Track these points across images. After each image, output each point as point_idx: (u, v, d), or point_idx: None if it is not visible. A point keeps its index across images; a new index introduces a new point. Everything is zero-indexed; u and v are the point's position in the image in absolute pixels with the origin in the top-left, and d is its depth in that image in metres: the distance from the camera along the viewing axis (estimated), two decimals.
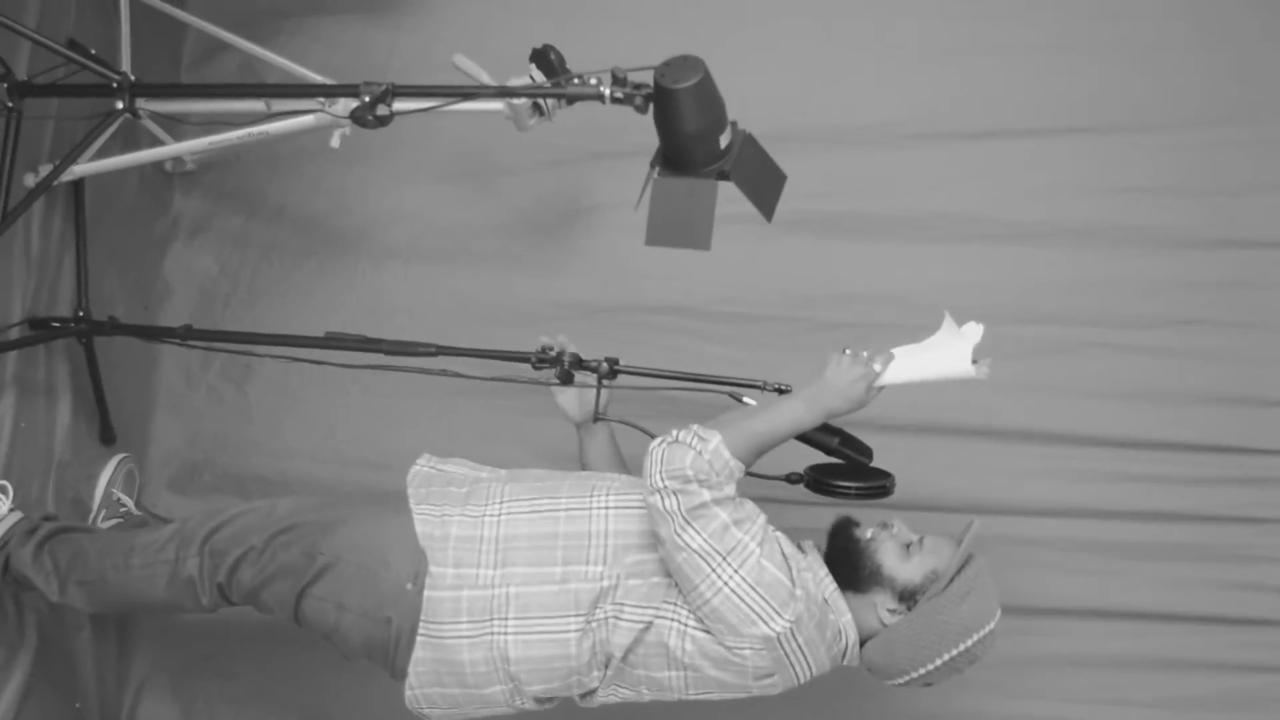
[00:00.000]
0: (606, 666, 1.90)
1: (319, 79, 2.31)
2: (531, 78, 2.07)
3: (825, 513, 2.00)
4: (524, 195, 2.80)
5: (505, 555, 1.90)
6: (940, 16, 2.72)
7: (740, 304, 2.70)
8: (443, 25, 2.80)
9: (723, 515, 1.77)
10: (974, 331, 1.87)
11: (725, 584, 1.76)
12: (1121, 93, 2.67)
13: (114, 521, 2.54)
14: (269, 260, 2.84)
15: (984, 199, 2.68)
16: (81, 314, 2.43)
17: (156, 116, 2.39)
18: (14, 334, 2.33)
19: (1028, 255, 2.66)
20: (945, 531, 1.93)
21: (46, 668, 2.36)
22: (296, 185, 2.83)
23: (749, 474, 1.87)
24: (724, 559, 1.76)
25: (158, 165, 2.80)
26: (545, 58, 2.07)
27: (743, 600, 1.76)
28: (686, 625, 1.84)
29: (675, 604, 1.85)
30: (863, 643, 1.90)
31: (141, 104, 2.27)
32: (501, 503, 1.96)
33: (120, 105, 2.25)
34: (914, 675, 1.87)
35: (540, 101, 2.07)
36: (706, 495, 1.77)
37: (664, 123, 1.81)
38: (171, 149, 2.44)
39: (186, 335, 2.39)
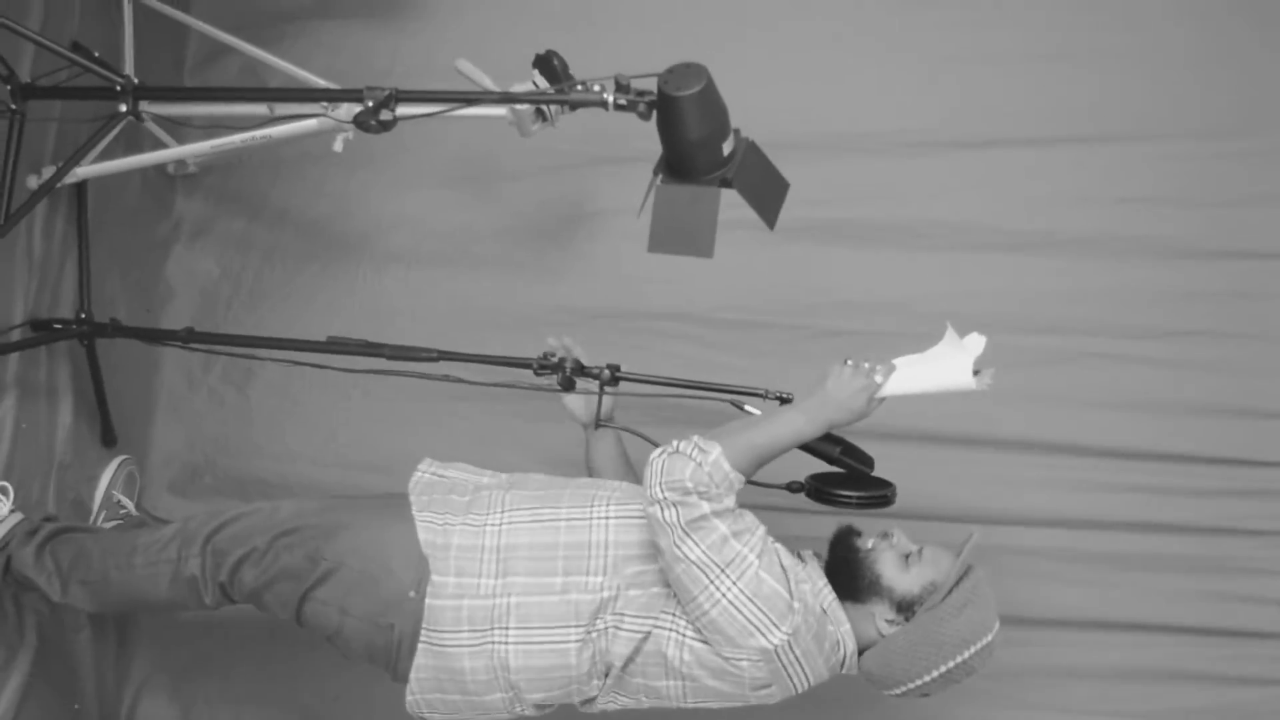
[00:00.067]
0: (606, 675, 1.90)
1: (322, 83, 2.31)
2: (535, 83, 2.07)
3: (826, 521, 2.00)
4: (526, 200, 2.80)
5: (506, 565, 1.90)
6: (942, 26, 2.73)
7: (742, 311, 2.70)
8: (446, 30, 2.80)
9: (722, 527, 1.77)
10: (976, 343, 1.86)
11: (723, 596, 1.76)
12: (1122, 103, 2.67)
13: (114, 523, 2.54)
14: (271, 263, 2.84)
15: (985, 208, 2.68)
16: (83, 316, 2.43)
17: (159, 119, 2.39)
18: (16, 335, 2.34)
19: (1028, 264, 2.66)
20: (946, 542, 1.93)
21: (46, 668, 2.36)
22: (299, 189, 2.84)
23: (750, 482, 1.87)
24: (722, 571, 1.76)
25: (160, 168, 2.80)
26: (548, 63, 2.07)
27: (740, 612, 1.76)
28: (685, 635, 1.84)
29: (674, 614, 1.85)
30: (861, 652, 1.90)
31: (144, 107, 2.28)
32: (503, 512, 1.96)
33: (123, 108, 2.26)
34: (910, 686, 1.87)
35: (543, 107, 2.07)
36: (706, 507, 1.76)
37: (667, 130, 1.81)
38: (174, 152, 2.45)
39: (188, 338, 2.40)
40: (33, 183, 2.33)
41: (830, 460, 2.05)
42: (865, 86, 2.75)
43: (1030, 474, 2.62)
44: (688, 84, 1.74)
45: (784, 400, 2.08)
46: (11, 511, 2.24)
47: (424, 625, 1.89)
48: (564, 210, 2.79)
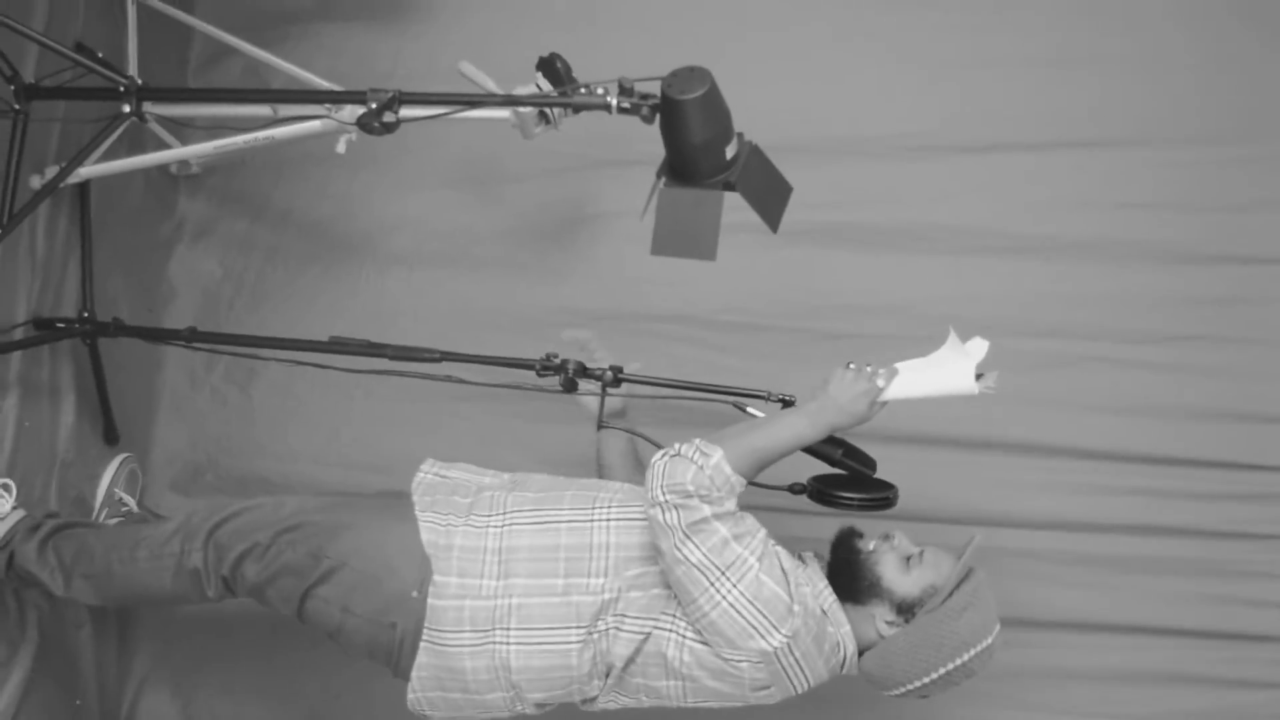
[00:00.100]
0: (607, 676, 1.91)
1: (326, 85, 2.31)
2: (538, 86, 2.08)
3: (828, 523, 2.01)
4: (529, 202, 2.80)
5: (508, 566, 1.91)
6: (943, 30, 2.73)
7: (744, 313, 2.71)
8: (449, 32, 2.81)
9: (722, 530, 1.78)
10: (978, 348, 1.87)
11: (723, 598, 1.77)
12: (1123, 108, 2.68)
13: (116, 521, 2.54)
14: (273, 264, 2.85)
15: (986, 212, 2.69)
16: (86, 315, 2.43)
17: (162, 120, 2.39)
18: (19, 334, 2.34)
19: (1029, 269, 2.67)
20: (947, 544, 1.94)
21: (47, 664, 2.36)
22: (302, 190, 2.84)
23: (752, 484, 1.88)
24: (723, 574, 1.77)
25: (163, 168, 2.80)
26: (552, 66, 2.08)
27: (740, 615, 1.77)
28: (685, 636, 1.84)
29: (674, 615, 1.86)
30: (861, 653, 1.91)
31: (148, 107, 2.27)
32: (505, 513, 1.97)
33: (127, 108, 2.26)
34: (910, 687, 1.88)
35: (546, 110, 2.08)
36: (707, 510, 1.77)
37: (670, 133, 1.81)
38: (177, 152, 2.45)
39: (191, 337, 2.40)
40: (36, 183, 2.33)
41: (832, 462, 2.05)
42: (867, 90, 2.75)
43: (1031, 477, 2.63)
44: (691, 87, 1.75)
45: (786, 403, 2.08)
46: (14, 508, 2.24)
47: (426, 625, 1.89)
48: (567, 212, 2.80)
